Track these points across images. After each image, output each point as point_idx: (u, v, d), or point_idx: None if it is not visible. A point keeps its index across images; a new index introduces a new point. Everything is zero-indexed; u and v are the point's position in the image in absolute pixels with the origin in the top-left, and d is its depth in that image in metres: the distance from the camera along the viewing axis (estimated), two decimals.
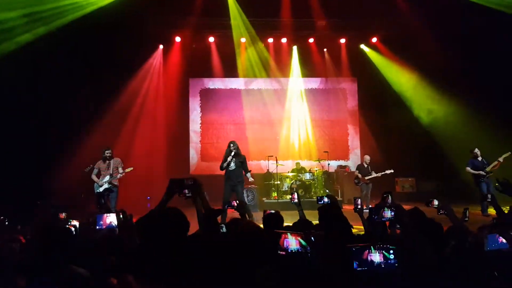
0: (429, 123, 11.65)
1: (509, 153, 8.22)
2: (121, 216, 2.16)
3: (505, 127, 9.65)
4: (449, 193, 10.57)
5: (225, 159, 7.60)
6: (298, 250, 2.27)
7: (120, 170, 7.46)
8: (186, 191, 2.70)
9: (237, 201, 3.61)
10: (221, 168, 7.71)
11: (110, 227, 2.75)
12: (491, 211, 7.27)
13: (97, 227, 2.81)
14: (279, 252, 2.30)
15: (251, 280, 1.93)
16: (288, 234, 2.34)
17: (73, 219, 4.24)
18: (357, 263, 1.98)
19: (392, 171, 9.65)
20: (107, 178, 7.39)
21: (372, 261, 1.98)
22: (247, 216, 7.36)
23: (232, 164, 7.61)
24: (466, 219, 3.71)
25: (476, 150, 8.62)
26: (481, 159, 8.55)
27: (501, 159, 8.30)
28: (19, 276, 1.43)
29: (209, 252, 2.14)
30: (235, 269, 2.00)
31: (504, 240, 2.54)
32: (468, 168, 8.58)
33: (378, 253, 1.98)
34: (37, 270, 1.92)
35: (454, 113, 11.00)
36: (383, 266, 1.97)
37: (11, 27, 8.06)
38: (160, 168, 11.77)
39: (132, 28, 11.09)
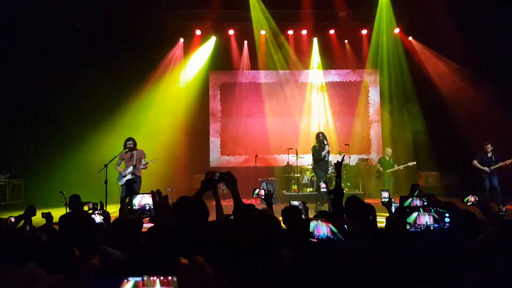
0: (452, 115, 11.31)
1: None
2: (156, 197, 2.19)
3: None
4: (472, 187, 10.30)
5: (321, 149, 8.25)
6: (329, 237, 2.25)
7: (143, 161, 7.54)
8: (221, 184, 2.79)
9: (266, 190, 3.58)
10: (320, 159, 8.34)
11: (143, 208, 2.79)
12: None
13: (133, 207, 2.84)
14: (311, 239, 2.29)
15: (256, 271, 1.91)
16: (319, 221, 2.32)
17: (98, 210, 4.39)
18: (410, 224, 2.04)
19: (415, 163, 9.49)
20: (130, 169, 7.49)
21: (424, 223, 2.04)
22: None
23: (327, 154, 8.36)
24: (503, 213, 3.64)
25: (489, 145, 8.49)
26: (491, 155, 8.46)
27: (508, 162, 8.23)
28: (92, 256, 1.46)
29: (224, 242, 2.15)
30: (244, 261, 1.99)
31: None
32: (475, 162, 8.54)
33: (428, 215, 2.04)
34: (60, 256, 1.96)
35: (479, 106, 10.64)
36: (433, 227, 2.04)
37: None
38: (181, 160, 11.88)
39: (153, 21, 11.23)
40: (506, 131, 9.54)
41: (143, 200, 2.84)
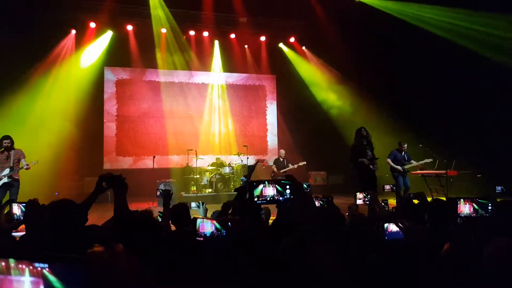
0: (338, 120, 12.55)
1: (431, 160, 8.52)
2: (28, 208, 2.00)
3: (407, 130, 10.52)
4: (356, 185, 11.47)
5: (363, 149, 6.89)
6: (213, 234, 2.36)
7: (24, 162, 6.78)
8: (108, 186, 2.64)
9: (162, 190, 3.52)
10: (359, 161, 6.87)
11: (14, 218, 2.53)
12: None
13: (13, 217, 2.56)
14: (197, 238, 2.37)
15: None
16: (204, 219, 2.42)
17: None
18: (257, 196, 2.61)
19: (305, 163, 10.23)
20: (6, 171, 6.66)
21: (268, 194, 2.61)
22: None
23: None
24: (387, 208, 4.20)
25: (405, 144, 8.49)
26: (403, 154, 8.49)
27: (422, 163, 8.49)
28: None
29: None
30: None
31: (397, 230, 2.85)
32: (389, 160, 8.42)
33: (272, 186, 2.58)
34: None
35: (361, 111, 11.99)
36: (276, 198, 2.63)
37: None
38: (71, 162, 10.95)
39: (42, 9, 10.19)
40: (384, 137, 10.79)
41: (13, 209, 2.57)
